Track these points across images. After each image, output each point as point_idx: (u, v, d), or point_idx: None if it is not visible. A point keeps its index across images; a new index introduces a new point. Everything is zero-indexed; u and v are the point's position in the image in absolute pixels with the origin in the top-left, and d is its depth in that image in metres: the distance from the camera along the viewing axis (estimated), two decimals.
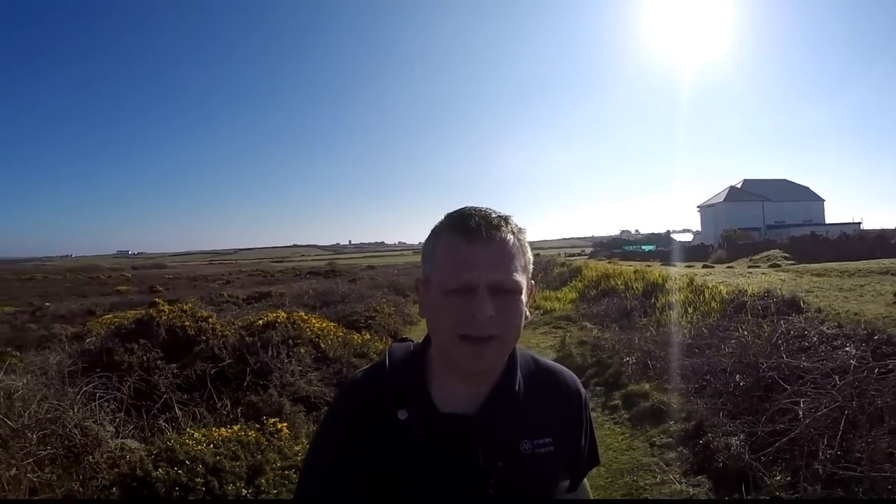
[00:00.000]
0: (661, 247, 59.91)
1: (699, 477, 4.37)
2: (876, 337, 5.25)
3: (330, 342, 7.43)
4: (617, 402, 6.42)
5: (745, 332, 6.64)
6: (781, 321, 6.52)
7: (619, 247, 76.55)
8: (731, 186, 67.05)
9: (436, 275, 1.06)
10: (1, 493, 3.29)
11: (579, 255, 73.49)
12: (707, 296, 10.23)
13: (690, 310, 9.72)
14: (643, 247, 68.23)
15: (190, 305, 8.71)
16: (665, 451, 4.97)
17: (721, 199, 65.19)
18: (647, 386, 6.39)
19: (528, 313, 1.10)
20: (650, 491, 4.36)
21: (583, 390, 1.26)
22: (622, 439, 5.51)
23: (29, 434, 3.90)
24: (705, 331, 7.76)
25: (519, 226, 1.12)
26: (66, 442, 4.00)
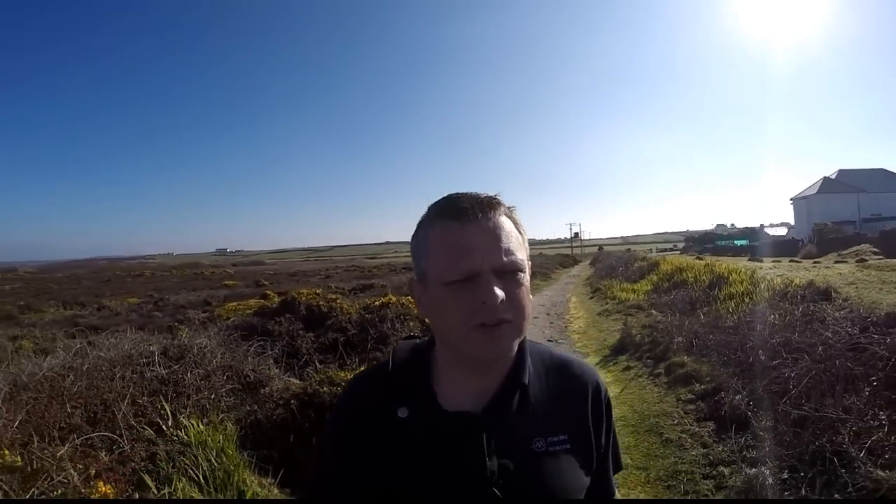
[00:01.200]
0: (754, 241, 58.53)
1: (707, 422, 5.70)
2: (868, 318, 6.36)
3: None
4: (661, 370, 7.76)
5: (774, 316, 7.80)
6: (800, 307, 7.68)
7: (711, 241, 74.95)
8: (825, 177, 63.84)
9: (433, 268, 1.03)
10: (201, 408, 4.97)
11: (671, 249, 72.30)
12: (762, 287, 11.20)
13: (747, 299, 10.75)
14: (735, 241, 66.68)
15: (321, 291, 10.68)
16: (687, 404, 6.32)
17: (814, 192, 62.45)
18: (686, 358, 7.69)
19: (530, 297, 1.07)
20: (668, 429, 5.75)
21: (601, 384, 1.21)
22: (657, 395, 6.91)
23: (218, 373, 5.70)
24: (748, 316, 8.89)
25: (510, 207, 1.09)
26: (243, 380, 5.78)
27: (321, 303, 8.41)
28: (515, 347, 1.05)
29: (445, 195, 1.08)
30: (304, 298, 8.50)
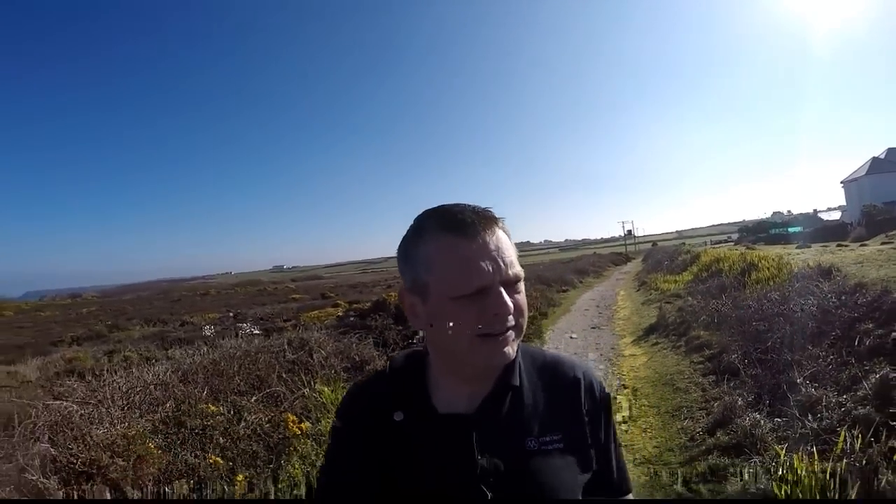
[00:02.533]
0: (807, 227, 57.76)
1: (709, 375, 7.27)
2: (843, 290, 7.89)
3: None
4: (682, 343, 9.38)
5: (777, 293, 9.34)
6: (797, 283, 9.24)
7: (764, 230, 74.07)
8: (874, 157, 61.14)
9: (439, 283, 1.04)
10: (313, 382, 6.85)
11: (725, 241, 71.80)
12: (785, 271, 12.60)
13: (772, 283, 12.17)
14: (789, 229, 65.90)
15: None
16: (698, 365, 7.94)
17: (863, 173, 60.03)
18: (702, 332, 9.28)
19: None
20: (679, 382, 7.41)
21: (596, 380, 1.22)
22: (675, 360, 8.57)
23: (333, 356, 7.63)
24: (758, 295, 10.40)
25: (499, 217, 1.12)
26: (352, 360, 7.70)
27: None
28: (514, 353, 1.08)
29: (438, 207, 1.10)
30: (392, 299, 10.47)
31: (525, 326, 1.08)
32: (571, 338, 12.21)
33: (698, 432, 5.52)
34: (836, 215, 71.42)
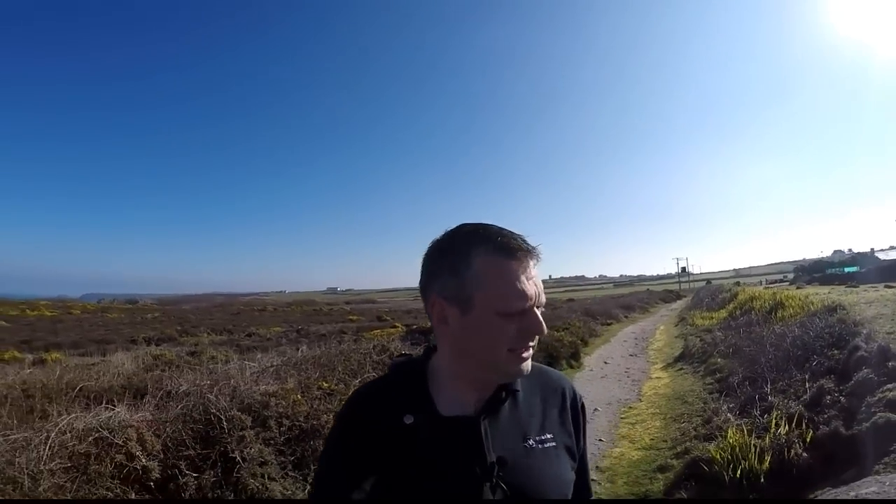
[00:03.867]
0: (864, 267, 56.61)
1: (714, 393, 8.76)
2: (833, 325, 9.28)
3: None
4: (701, 368, 10.90)
5: (787, 328, 10.75)
6: (803, 320, 10.64)
7: (820, 270, 72.87)
8: None
9: (487, 299, 1.12)
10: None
11: (781, 280, 70.93)
12: (803, 308, 13.85)
13: (792, 320, 13.46)
14: (845, 269, 64.87)
15: None
16: (708, 385, 9.44)
17: None
18: (719, 360, 10.75)
19: None
20: (689, 397, 8.93)
21: (576, 390, 1.36)
22: (691, 382, 10.13)
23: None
24: (778, 329, 11.77)
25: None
26: None
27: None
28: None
29: (482, 226, 1.18)
30: None
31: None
32: (605, 363, 13.78)
33: (689, 430, 7.06)
34: (894, 255, 69.76)
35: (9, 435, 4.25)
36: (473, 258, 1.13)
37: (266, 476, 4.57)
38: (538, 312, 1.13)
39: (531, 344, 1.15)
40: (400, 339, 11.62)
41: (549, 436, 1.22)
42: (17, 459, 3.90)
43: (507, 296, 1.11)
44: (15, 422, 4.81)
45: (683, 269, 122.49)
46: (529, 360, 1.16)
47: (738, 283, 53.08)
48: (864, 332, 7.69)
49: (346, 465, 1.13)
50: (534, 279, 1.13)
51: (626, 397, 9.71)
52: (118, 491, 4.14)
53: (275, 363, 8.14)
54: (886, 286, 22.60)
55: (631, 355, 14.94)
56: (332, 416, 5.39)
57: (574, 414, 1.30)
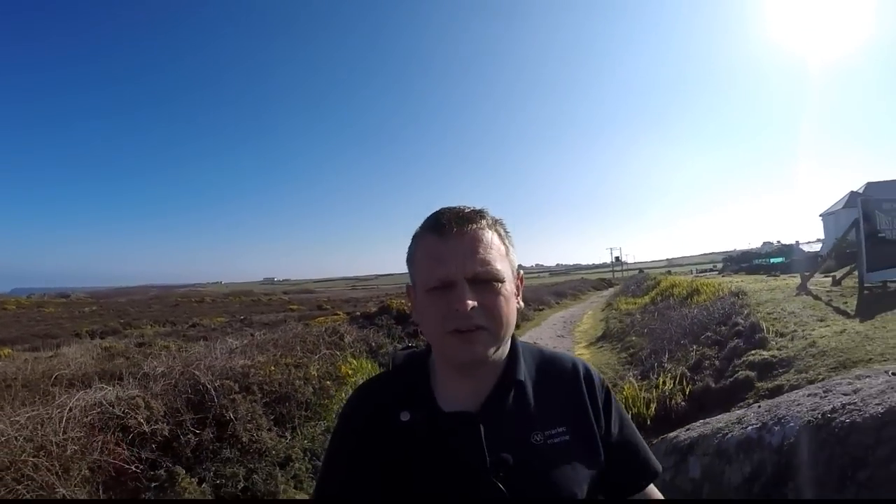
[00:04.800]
0: (789, 258, 59.15)
1: (626, 364, 10.15)
2: (727, 306, 10.81)
3: None
4: (619, 345, 12.36)
5: (691, 310, 12.26)
6: (706, 303, 12.18)
7: (747, 261, 75.53)
8: (852, 191, 61.90)
9: (418, 277, 1.12)
10: (332, 368, 9.72)
11: (710, 270, 73.74)
12: (715, 294, 15.50)
13: (703, 303, 15.11)
14: (771, 259, 67.36)
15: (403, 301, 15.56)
16: (622, 358, 10.86)
17: (840, 206, 60.19)
18: (634, 338, 12.18)
19: (520, 303, 1.17)
20: (605, 369, 10.26)
21: (594, 372, 1.26)
22: (609, 357, 11.57)
23: (356, 343, 10.46)
24: (685, 311, 13.31)
25: (498, 220, 1.17)
26: (370, 345, 10.55)
27: (405, 308, 13.13)
28: (493, 353, 1.09)
29: (436, 210, 1.15)
30: (393, 305, 13.41)
31: (501, 332, 1.09)
32: (535, 341, 15.09)
33: None
34: (818, 247, 73.25)
35: (23, 413, 5.03)
36: (413, 241, 1.17)
37: (256, 428, 5.60)
38: (465, 287, 1.05)
39: (477, 325, 1.06)
40: (348, 323, 12.63)
41: (560, 429, 1.14)
42: (40, 431, 4.72)
43: (427, 269, 1.09)
44: (18, 403, 5.62)
45: (617, 258, 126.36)
46: (477, 344, 1.07)
47: (669, 272, 55.40)
48: (746, 311, 9.19)
49: (346, 464, 1.14)
50: (464, 250, 1.08)
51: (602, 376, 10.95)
52: (129, 453, 5.06)
53: (238, 345, 9.07)
54: (806, 275, 24.35)
55: (559, 336, 16.39)
56: (303, 382, 6.45)
57: (593, 396, 1.21)
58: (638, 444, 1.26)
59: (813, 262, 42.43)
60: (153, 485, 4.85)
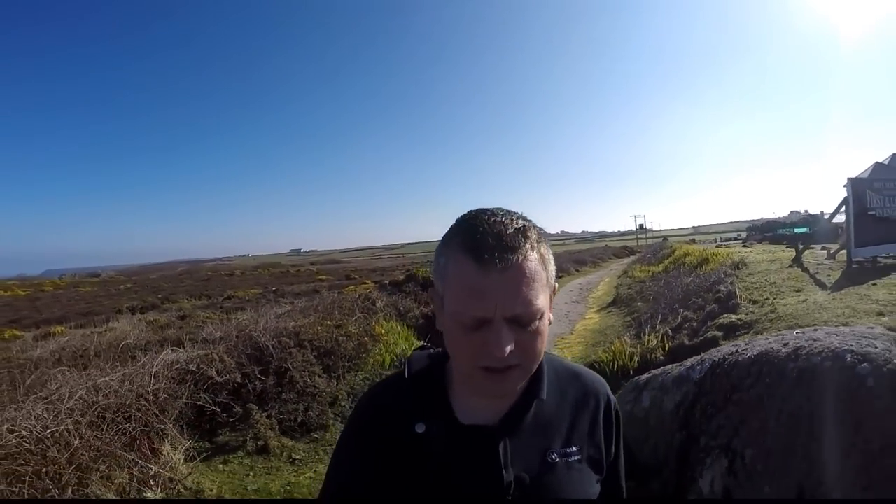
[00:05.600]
0: (814, 228, 58.30)
1: (630, 327, 11.27)
2: (721, 273, 11.86)
3: None
4: (625, 310, 13.52)
5: (690, 277, 13.33)
6: (702, 272, 13.27)
7: (771, 230, 75.26)
8: (877, 163, 63.32)
9: (448, 300, 1.00)
10: (367, 330, 10.98)
11: (734, 239, 73.48)
12: (720, 262, 16.48)
13: (710, 269, 16.12)
14: (795, 229, 67.14)
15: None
16: (626, 322, 12.00)
17: (865, 177, 62.26)
18: (640, 304, 13.34)
19: (550, 318, 1.07)
20: (609, 330, 11.45)
21: (611, 396, 1.24)
22: (615, 320, 12.79)
23: (386, 308, 11.73)
24: (685, 279, 14.37)
25: (539, 234, 1.03)
26: (399, 310, 11.82)
27: (430, 276, 14.36)
28: (521, 384, 1.06)
29: (473, 216, 1.01)
30: (420, 273, 14.69)
31: (533, 367, 1.04)
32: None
33: (598, 350, 9.57)
34: (842, 218, 72.01)
35: (118, 372, 6.28)
36: (445, 253, 1.02)
37: (310, 375, 6.95)
38: (502, 328, 0.95)
39: (510, 364, 0.97)
40: (377, 290, 13.93)
41: (574, 448, 1.12)
42: (137, 382, 6.01)
43: (463, 300, 0.97)
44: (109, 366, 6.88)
45: (641, 225, 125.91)
46: (509, 382, 1.01)
47: (693, 240, 55.68)
48: (731, 280, 10.26)
49: (354, 471, 1.11)
50: (506, 287, 0.94)
51: (561, 332, 12.26)
52: (207, 398, 6.38)
53: (283, 312, 10.41)
54: (824, 248, 24.96)
55: (573, 302, 17.64)
56: (345, 338, 7.77)
57: (607, 422, 1.20)
58: (619, 476, 1.26)
59: (832, 233, 42.77)
60: (231, 419, 6.22)
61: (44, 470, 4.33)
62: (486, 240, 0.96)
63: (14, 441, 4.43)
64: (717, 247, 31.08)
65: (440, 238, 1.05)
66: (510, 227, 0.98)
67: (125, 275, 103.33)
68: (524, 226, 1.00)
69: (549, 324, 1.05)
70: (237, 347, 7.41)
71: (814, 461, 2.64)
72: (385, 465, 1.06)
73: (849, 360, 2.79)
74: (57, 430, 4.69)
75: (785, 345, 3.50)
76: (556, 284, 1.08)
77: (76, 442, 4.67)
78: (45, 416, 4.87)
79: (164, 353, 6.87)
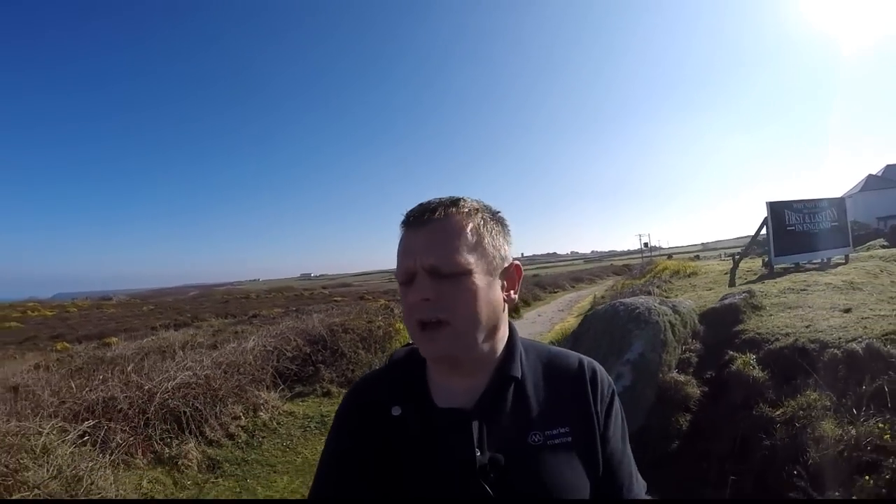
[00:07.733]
0: None
1: None
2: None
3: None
4: None
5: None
6: (649, 279, 16.15)
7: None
8: (870, 175, 61.29)
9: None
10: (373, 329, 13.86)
11: (737, 254, 74.24)
12: (691, 271, 19.22)
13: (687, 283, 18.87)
14: None
15: None
16: None
17: (858, 190, 59.02)
18: None
19: (513, 296, 1.13)
20: None
21: (603, 375, 1.21)
22: None
23: (403, 313, 14.66)
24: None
25: (478, 207, 1.11)
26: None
27: None
28: (465, 348, 1.06)
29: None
30: None
31: (467, 327, 1.05)
32: (538, 315, 19.24)
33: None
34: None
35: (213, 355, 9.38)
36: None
37: (353, 351, 10.04)
38: (420, 279, 1.04)
39: (435, 318, 1.03)
40: (393, 302, 16.94)
41: (562, 429, 1.10)
42: (235, 356, 8.98)
43: (397, 262, 1.09)
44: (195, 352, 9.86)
45: (646, 244, 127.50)
46: (440, 339, 1.04)
47: (697, 257, 57.56)
48: (657, 283, 13.18)
49: (338, 461, 1.13)
50: (425, 242, 1.04)
51: (541, 330, 15.05)
52: (286, 365, 9.35)
53: (322, 317, 13.35)
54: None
55: (560, 311, 20.52)
56: (376, 328, 10.77)
57: (595, 397, 1.16)
58: (627, 460, 1.20)
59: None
60: (304, 377, 9.21)
61: (202, 394, 7.24)
62: (415, 210, 1.10)
63: (187, 376, 7.38)
64: (719, 261, 33.33)
65: None
66: (442, 199, 1.11)
67: (138, 298, 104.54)
68: (457, 198, 1.11)
69: (510, 301, 1.14)
70: (298, 337, 10.37)
71: (612, 350, 5.72)
72: (365, 449, 1.10)
73: (629, 305, 5.91)
74: (203, 375, 7.64)
75: (629, 303, 6.56)
76: (515, 264, 1.14)
77: (217, 383, 7.62)
78: (195, 367, 7.83)
79: (254, 337, 9.95)
